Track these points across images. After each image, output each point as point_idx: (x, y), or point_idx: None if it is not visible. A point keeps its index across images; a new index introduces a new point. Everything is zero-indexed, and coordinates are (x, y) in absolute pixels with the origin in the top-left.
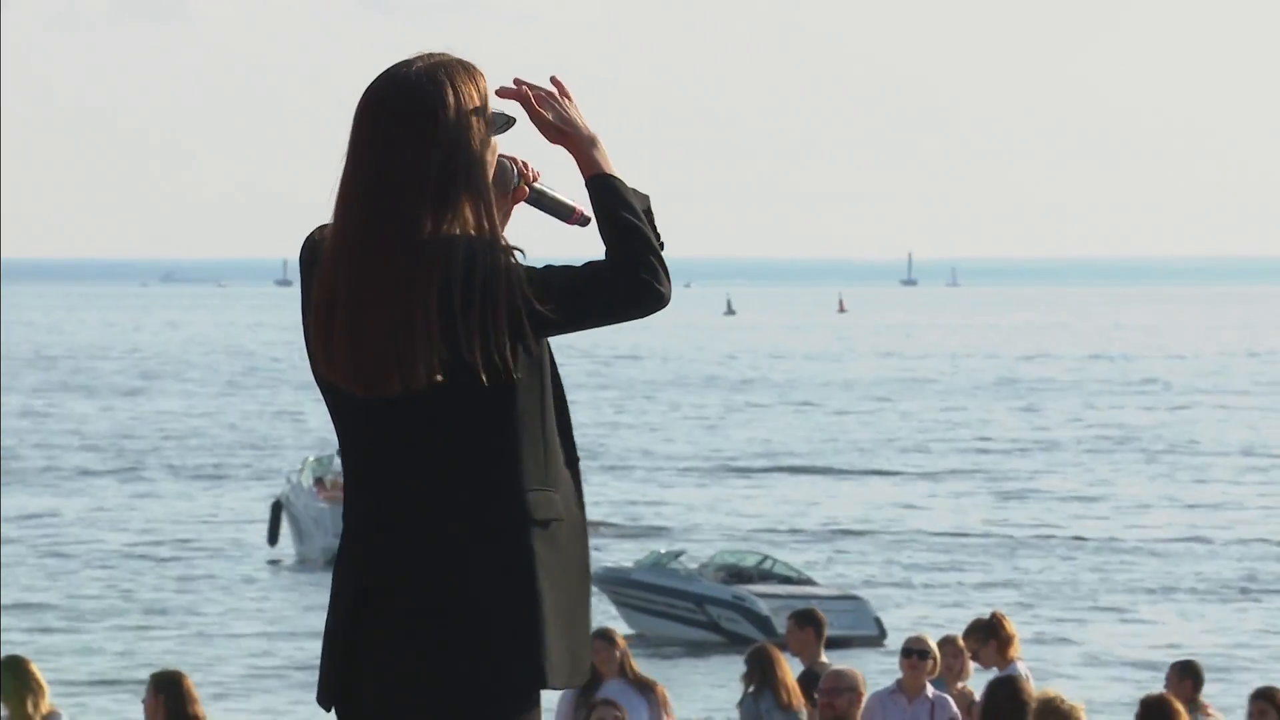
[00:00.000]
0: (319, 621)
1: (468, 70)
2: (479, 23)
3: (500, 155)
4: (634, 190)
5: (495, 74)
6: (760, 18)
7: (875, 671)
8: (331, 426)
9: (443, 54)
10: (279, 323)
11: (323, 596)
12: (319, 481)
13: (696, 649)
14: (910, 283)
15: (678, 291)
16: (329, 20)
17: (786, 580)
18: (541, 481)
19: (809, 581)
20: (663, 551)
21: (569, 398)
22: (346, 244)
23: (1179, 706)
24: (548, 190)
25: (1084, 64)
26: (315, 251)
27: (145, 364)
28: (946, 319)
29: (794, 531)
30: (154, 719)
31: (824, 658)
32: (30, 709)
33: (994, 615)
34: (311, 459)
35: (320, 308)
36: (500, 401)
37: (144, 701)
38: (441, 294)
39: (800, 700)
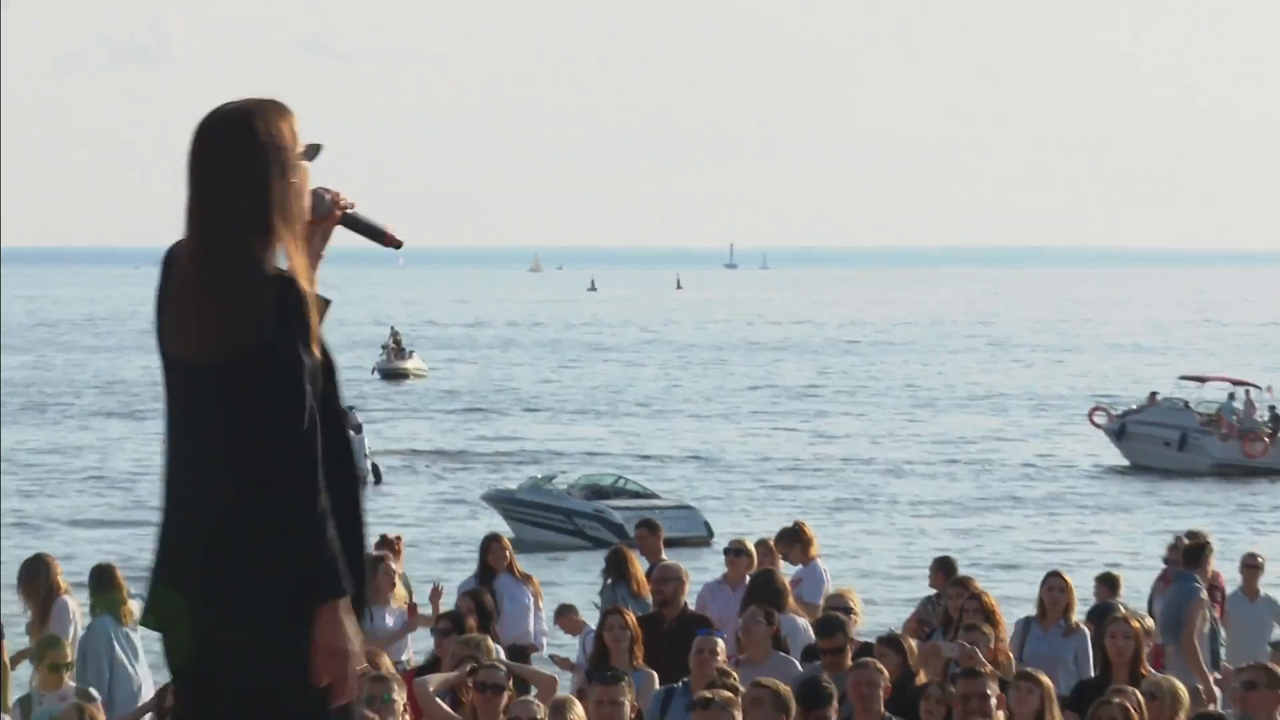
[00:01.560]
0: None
1: (279, 109)
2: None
3: (317, 187)
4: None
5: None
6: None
7: (706, 566)
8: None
9: (260, 98)
10: None
11: None
12: None
13: (566, 552)
14: (732, 266)
15: (551, 272)
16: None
17: (636, 495)
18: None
19: (653, 495)
20: (539, 476)
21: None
22: (191, 261)
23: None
24: (360, 216)
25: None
26: (171, 260)
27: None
28: (760, 295)
29: (642, 457)
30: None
31: (664, 556)
32: (125, 615)
33: (796, 523)
34: None
35: (175, 303)
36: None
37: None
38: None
39: (647, 590)
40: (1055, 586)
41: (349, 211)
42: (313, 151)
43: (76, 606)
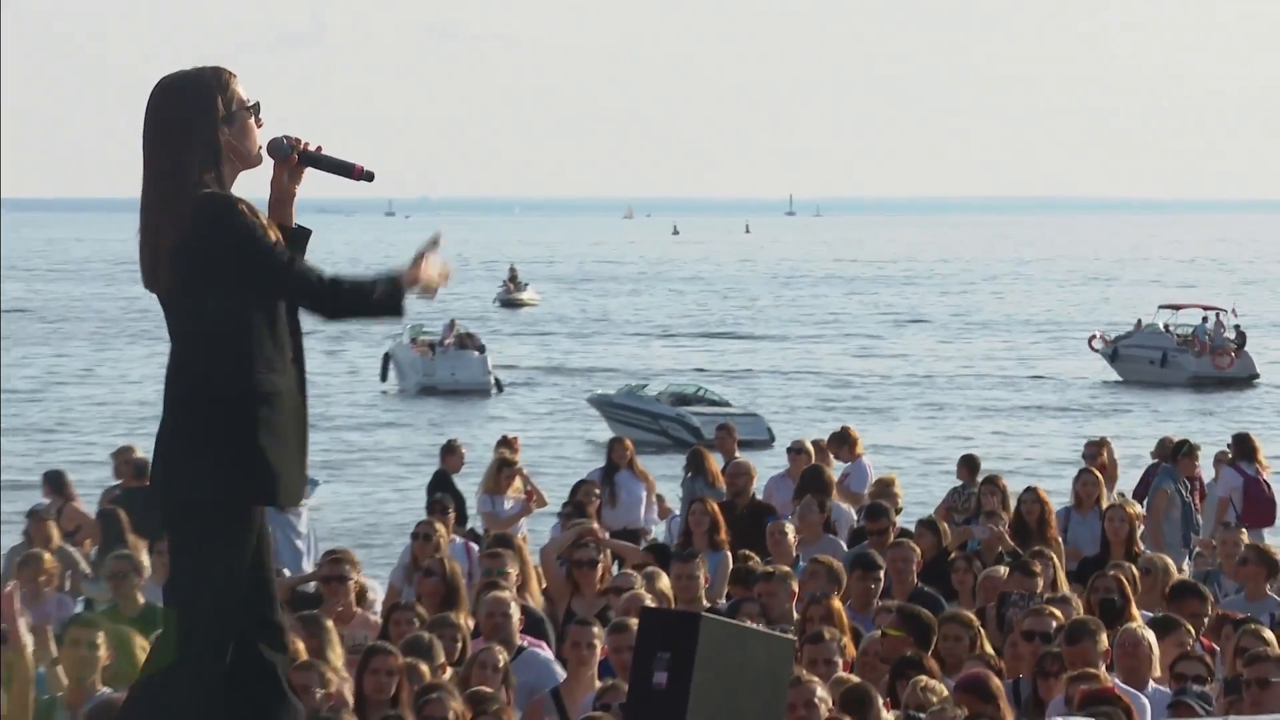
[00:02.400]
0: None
1: (217, 74)
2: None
3: (277, 135)
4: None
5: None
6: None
7: (770, 464)
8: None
9: (205, 65)
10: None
11: (410, 412)
12: (413, 340)
13: (653, 450)
14: (791, 214)
15: (641, 219)
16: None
17: (712, 403)
18: (269, 368)
19: (726, 404)
20: (633, 385)
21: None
22: (145, 192)
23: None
24: (323, 155)
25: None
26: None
27: None
28: (815, 237)
29: (719, 372)
30: None
31: (737, 455)
32: None
33: (844, 427)
34: (409, 326)
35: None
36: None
37: None
38: (190, 235)
39: (722, 482)
40: (1088, 481)
41: (308, 152)
42: (255, 108)
43: None
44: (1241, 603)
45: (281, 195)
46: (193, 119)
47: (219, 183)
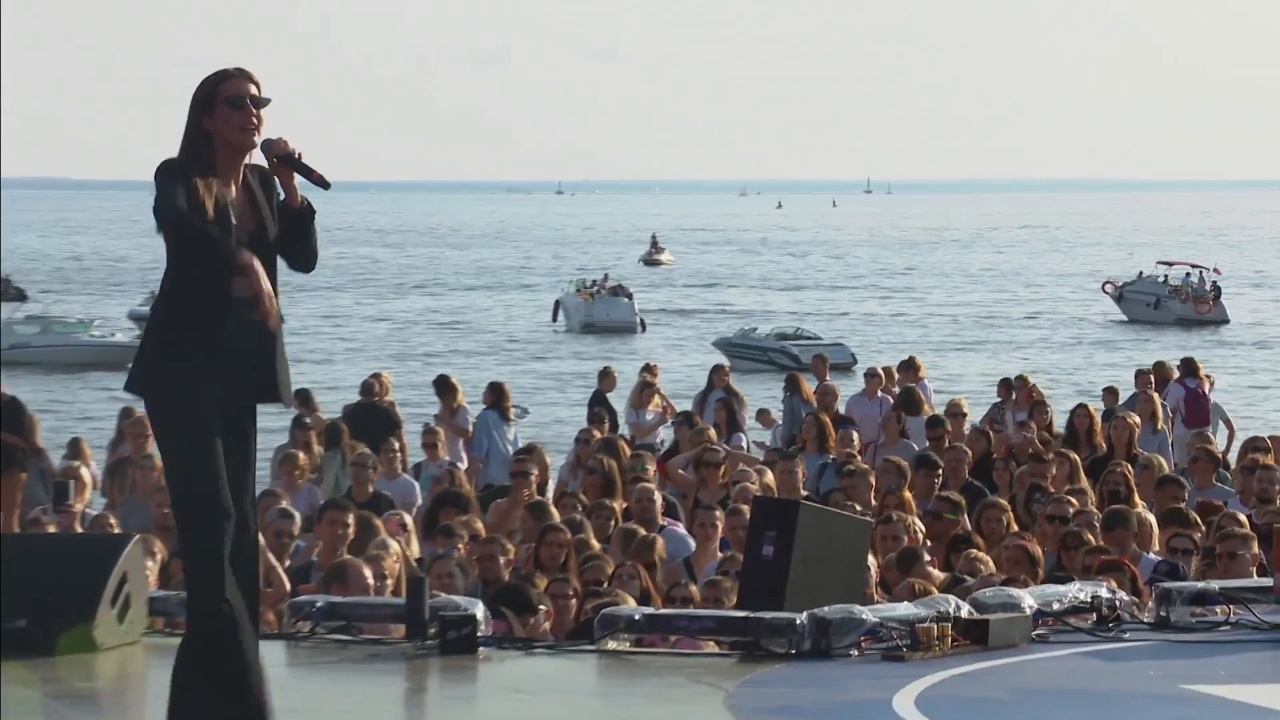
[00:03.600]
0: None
1: (219, 73)
2: None
3: (270, 137)
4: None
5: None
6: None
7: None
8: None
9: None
10: (563, 213)
11: (574, 345)
12: (577, 289)
13: (765, 375)
14: (868, 192)
15: (753, 196)
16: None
17: (807, 338)
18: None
19: (818, 338)
20: (746, 327)
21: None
22: None
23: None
24: (294, 161)
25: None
26: None
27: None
28: (889, 209)
29: (812, 314)
30: None
31: (828, 379)
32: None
33: (910, 356)
34: (575, 279)
35: None
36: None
37: None
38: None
39: (813, 399)
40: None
41: (282, 154)
42: (237, 101)
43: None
44: (1196, 491)
45: (280, 181)
46: (189, 109)
47: (200, 158)
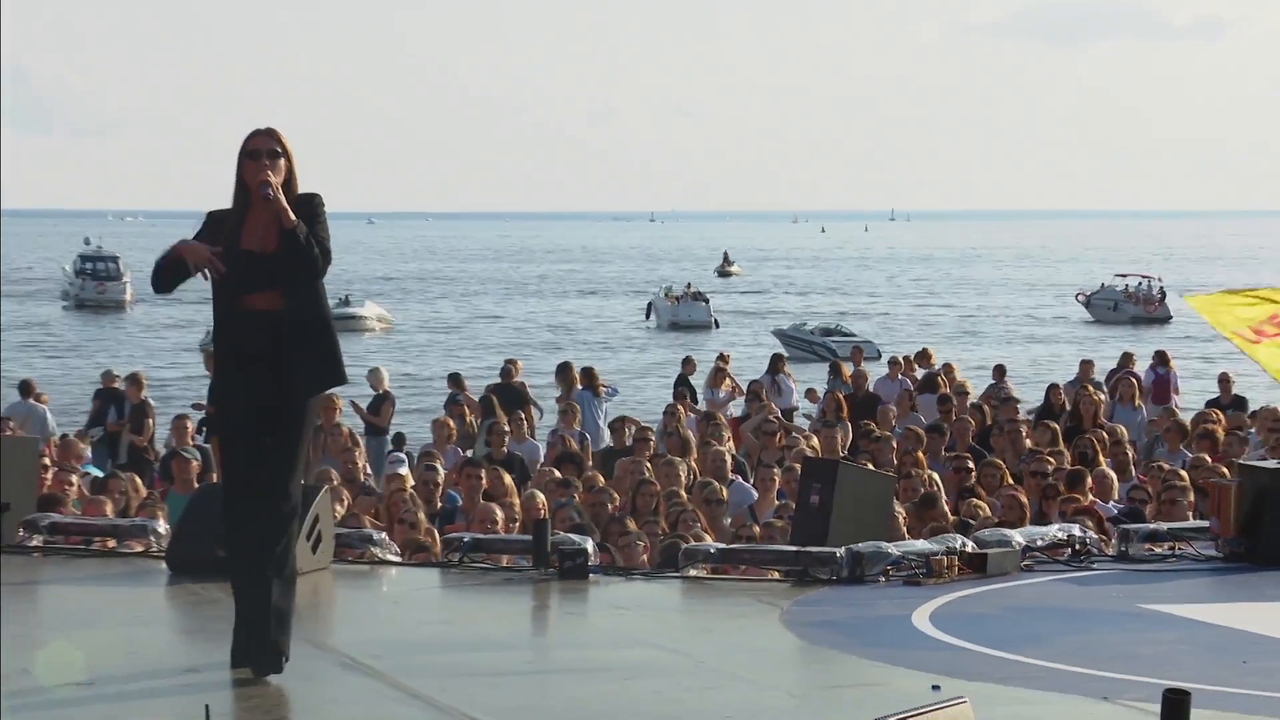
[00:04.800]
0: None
1: (250, 132)
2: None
3: (263, 181)
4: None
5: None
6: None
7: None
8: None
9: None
10: (655, 236)
11: (662, 339)
12: (665, 294)
13: (813, 362)
14: (892, 219)
15: (804, 223)
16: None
17: (845, 334)
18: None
19: (853, 334)
20: (798, 323)
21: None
22: None
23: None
24: (275, 199)
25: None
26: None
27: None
28: (911, 234)
29: (849, 313)
30: None
31: (862, 366)
32: (598, 389)
33: (924, 348)
34: (664, 287)
35: None
36: None
37: None
38: None
39: (850, 381)
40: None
41: (265, 194)
42: (253, 154)
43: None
44: (1167, 455)
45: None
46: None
47: (234, 201)
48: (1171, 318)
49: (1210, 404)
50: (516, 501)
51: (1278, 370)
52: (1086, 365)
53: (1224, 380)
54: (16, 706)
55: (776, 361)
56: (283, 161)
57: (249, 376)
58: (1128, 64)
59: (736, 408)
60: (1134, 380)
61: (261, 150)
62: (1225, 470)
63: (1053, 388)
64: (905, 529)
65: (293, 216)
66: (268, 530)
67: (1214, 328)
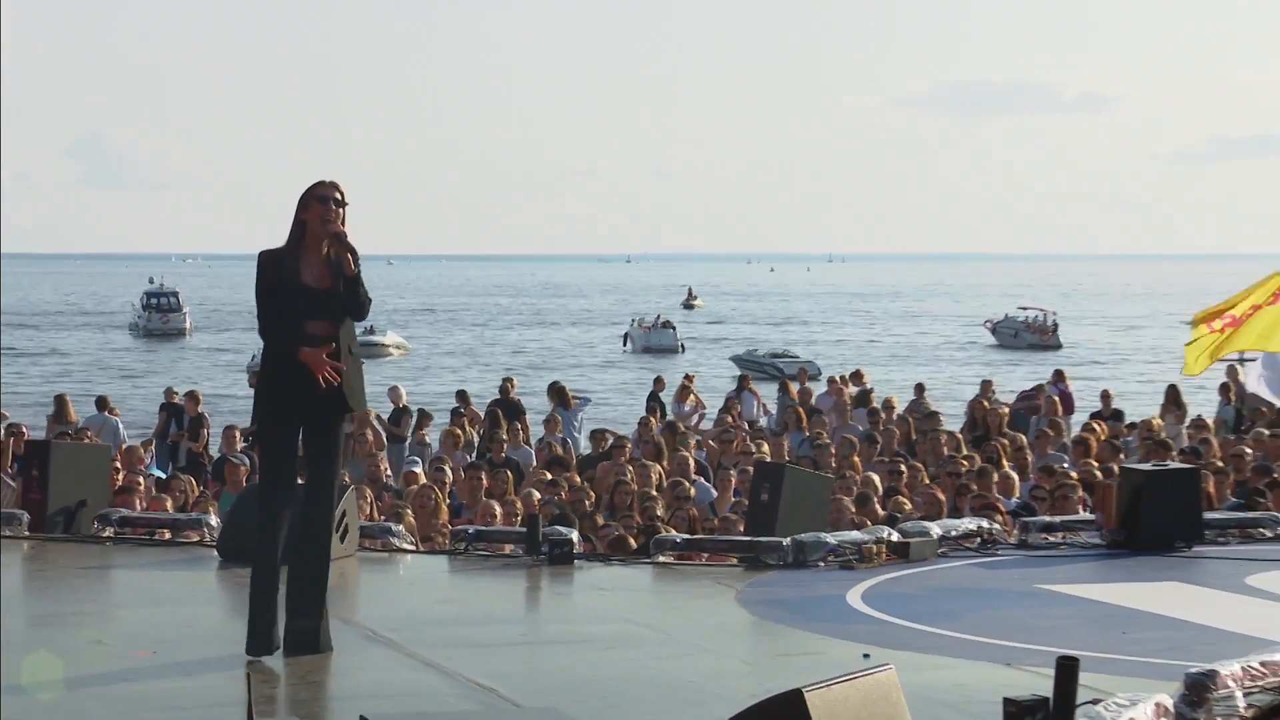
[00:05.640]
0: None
1: (314, 184)
2: None
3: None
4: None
5: None
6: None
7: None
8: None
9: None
10: (631, 275)
11: (637, 362)
12: (639, 323)
13: (764, 380)
14: (830, 261)
15: (756, 264)
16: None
17: (791, 357)
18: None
19: (797, 356)
20: (751, 349)
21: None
22: None
23: None
24: (343, 240)
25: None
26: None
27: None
28: (847, 275)
29: (796, 341)
30: None
31: (806, 384)
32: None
33: (857, 369)
34: (638, 317)
35: None
36: None
37: None
38: None
39: (796, 397)
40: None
41: (334, 235)
42: (325, 200)
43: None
44: (1051, 457)
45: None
46: (296, 207)
47: (293, 241)
48: (1062, 345)
49: (1093, 416)
50: (516, 499)
51: (1193, 362)
52: (987, 384)
53: (1105, 396)
54: (81, 677)
55: (743, 380)
56: (344, 210)
57: (299, 393)
58: (1024, 133)
59: (701, 419)
60: (1054, 401)
61: (329, 197)
62: (1100, 473)
63: (976, 403)
64: (853, 521)
65: (354, 265)
66: (315, 525)
67: (1206, 360)
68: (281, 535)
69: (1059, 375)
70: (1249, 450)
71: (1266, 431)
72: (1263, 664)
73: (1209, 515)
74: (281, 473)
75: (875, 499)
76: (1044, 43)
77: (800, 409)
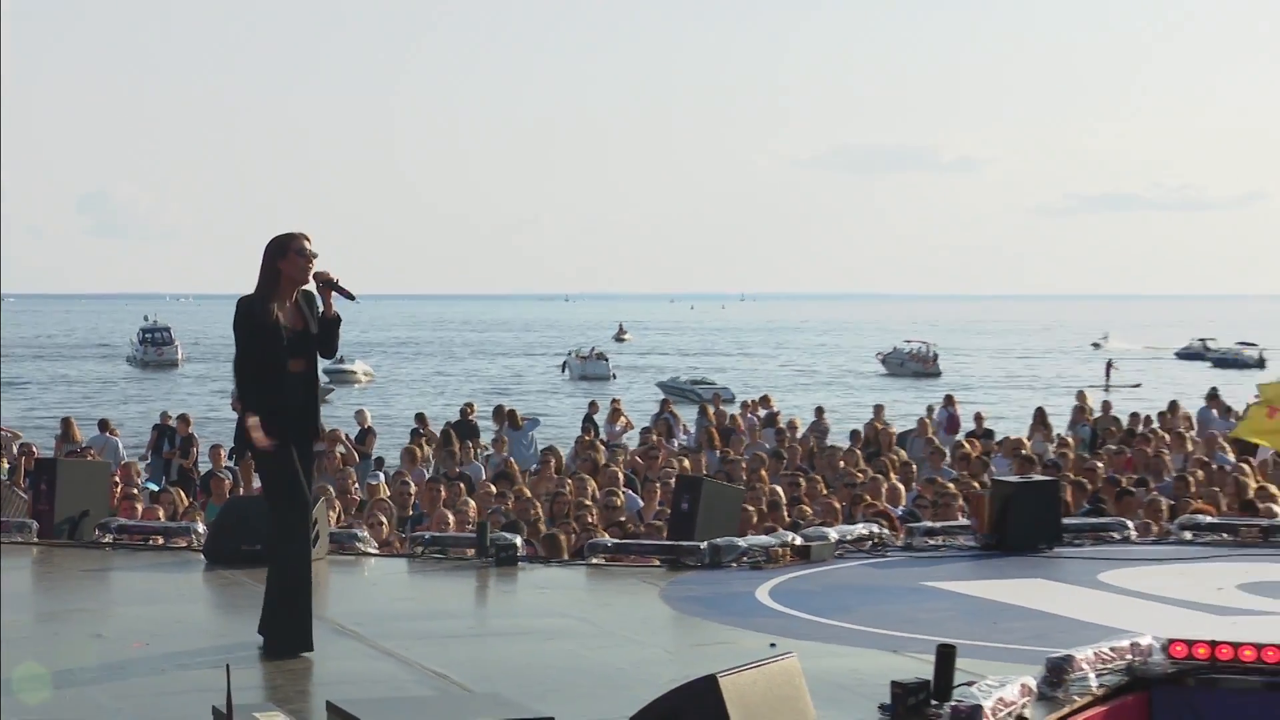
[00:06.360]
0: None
1: (290, 235)
2: None
3: (321, 269)
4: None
5: None
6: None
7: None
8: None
9: (288, 231)
10: (569, 312)
11: (574, 389)
12: (576, 355)
13: (687, 404)
14: (742, 300)
15: (678, 302)
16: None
17: (709, 384)
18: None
19: (714, 383)
20: (674, 376)
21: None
22: None
23: None
24: (334, 283)
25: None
26: None
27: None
28: (758, 312)
29: (712, 369)
30: None
31: (722, 406)
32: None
33: (764, 395)
34: (575, 349)
35: None
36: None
37: None
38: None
39: (713, 419)
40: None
41: (325, 281)
42: (304, 253)
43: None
44: (933, 470)
45: (322, 299)
46: (265, 256)
47: (269, 287)
48: (941, 373)
49: (968, 435)
50: (469, 508)
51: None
52: (879, 409)
53: (978, 417)
54: (82, 669)
55: (664, 404)
56: (314, 261)
57: (286, 421)
58: (910, 189)
59: (628, 439)
60: (927, 424)
61: (308, 251)
62: (975, 484)
63: (869, 424)
64: (762, 527)
65: (336, 309)
66: (304, 530)
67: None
68: (309, 538)
69: (949, 400)
70: (1100, 464)
71: (1114, 448)
72: (1112, 649)
73: (1067, 521)
74: (296, 485)
75: (781, 508)
76: (926, 112)
77: (714, 429)
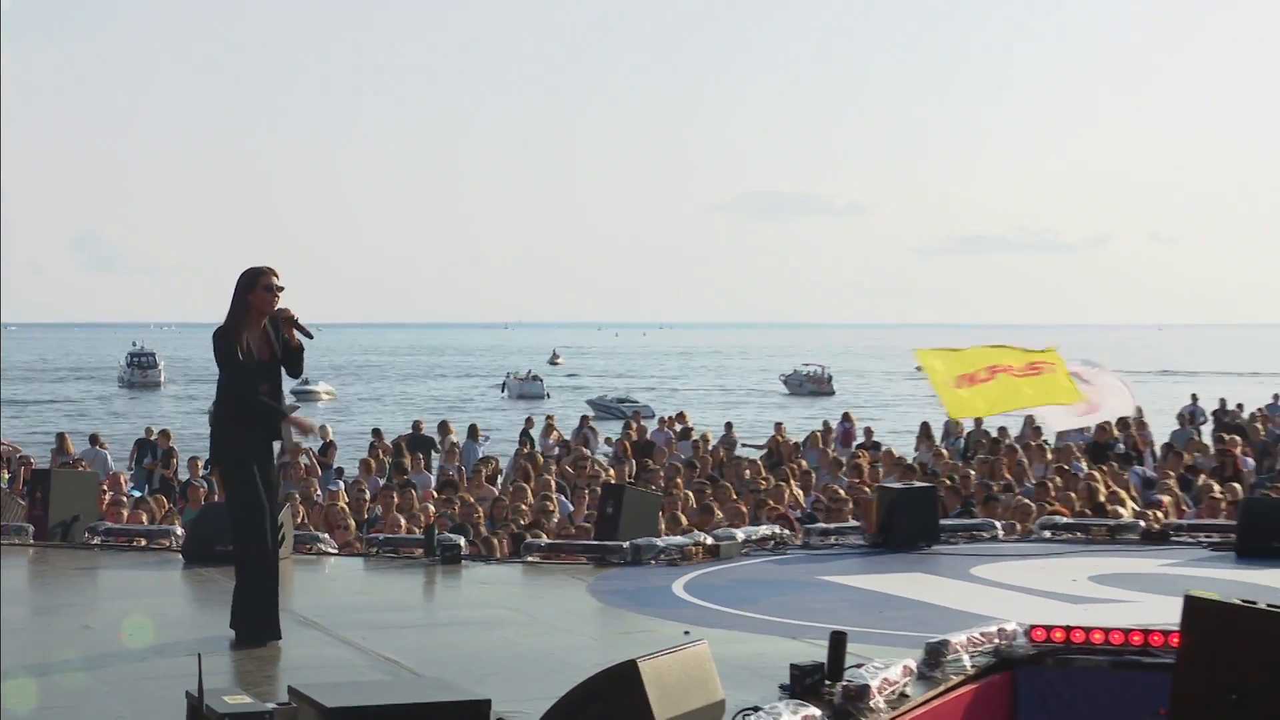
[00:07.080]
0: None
1: (257, 269)
2: None
3: (282, 306)
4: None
5: None
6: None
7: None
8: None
9: (256, 266)
10: (508, 339)
11: (512, 407)
12: (514, 376)
13: (612, 420)
14: (661, 328)
15: (604, 330)
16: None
17: (633, 401)
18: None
19: (637, 400)
20: (602, 394)
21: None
22: None
23: None
24: (294, 321)
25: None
26: None
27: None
28: (674, 338)
29: (639, 389)
30: None
31: (643, 424)
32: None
33: (681, 411)
34: (512, 371)
35: None
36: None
37: None
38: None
39: (636, 434)
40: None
41: (286, 319)
42: (270, 287)
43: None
44: (830, 477)
45: (286, 333)
46: (236, 289)
47: (238, 318)
48: (835, 392)
49: (859, 446)
50: (421, 513)
51: (960, 409)
52: (780, 426)
53: (868, 431)
54: (72, 657)
55: (584, 420)
56: (281, 294)
57: (257, 439)
58: (809, 231)
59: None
60: (820, 436)
61: (273, 285)
62: (865, 489)
63: (772, 438)
64: (677, 529)
65: (299, 339)
66: (274, 532)
67: (924, 371)
68: (273, 535)
69: (846, 416)
70: (973, 472)
71: (983, 457)
72: (982, 633)
73: (943, 522)
74: (255, 491)
75: (694, 511)
76: (821, 163)
77: (627, 443)
